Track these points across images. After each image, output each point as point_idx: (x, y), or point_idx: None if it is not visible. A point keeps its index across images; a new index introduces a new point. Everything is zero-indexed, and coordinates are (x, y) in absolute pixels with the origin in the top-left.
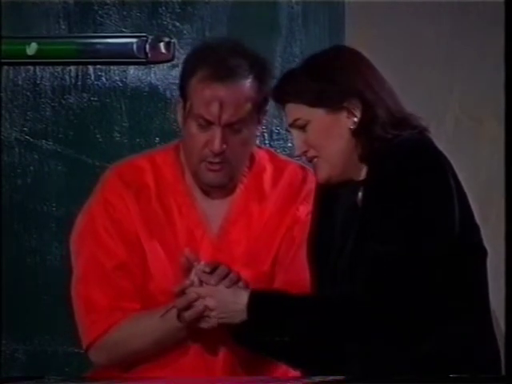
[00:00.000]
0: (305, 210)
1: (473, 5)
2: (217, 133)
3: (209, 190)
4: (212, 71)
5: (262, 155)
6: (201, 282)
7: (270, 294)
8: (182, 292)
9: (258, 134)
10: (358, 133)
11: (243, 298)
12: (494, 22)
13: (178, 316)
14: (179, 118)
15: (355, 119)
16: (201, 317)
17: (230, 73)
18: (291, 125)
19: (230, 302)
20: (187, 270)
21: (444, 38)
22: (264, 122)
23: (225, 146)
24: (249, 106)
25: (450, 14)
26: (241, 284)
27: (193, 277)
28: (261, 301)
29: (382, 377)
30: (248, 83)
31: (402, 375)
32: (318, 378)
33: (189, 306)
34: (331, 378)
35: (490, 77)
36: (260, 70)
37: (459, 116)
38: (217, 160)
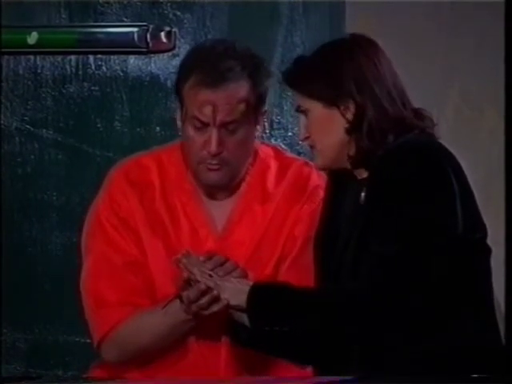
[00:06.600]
0: (308, 209)
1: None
2: (213, 134)
3: (211, 191)
4: (202, 77)
5: (266, 152)
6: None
7: (271, 286)
8: (187, 284)
9: (258, 133)
10: (350, 132)
11: (245, 287)
12: (495, 12)
13: (184, 307)
14: (178, 122)
15: (348, 118)
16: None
17: (221, 78)
18: (297, 109)
19: (235, 287)
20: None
21: (445, 27)
22: (263, 121)
23: (221, 148)
24: (242, 107)
25: (452, 3)
26: (236, 273)
27: (193, 270)
28: (262, 292)
29: (388, 377)
30: (240, 85)
31: (404, 375)
32: (324, 378)
33: (198, 298)
34: (338, 378)
35: (490, 66)
36: (254, 70)
37: (459, 105)
38: (214, 161)
